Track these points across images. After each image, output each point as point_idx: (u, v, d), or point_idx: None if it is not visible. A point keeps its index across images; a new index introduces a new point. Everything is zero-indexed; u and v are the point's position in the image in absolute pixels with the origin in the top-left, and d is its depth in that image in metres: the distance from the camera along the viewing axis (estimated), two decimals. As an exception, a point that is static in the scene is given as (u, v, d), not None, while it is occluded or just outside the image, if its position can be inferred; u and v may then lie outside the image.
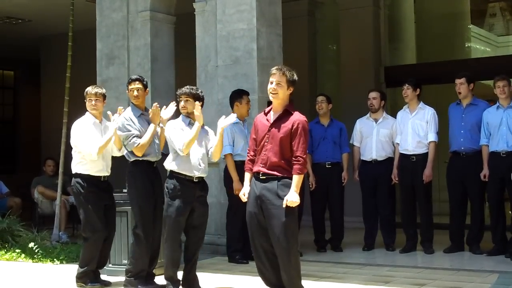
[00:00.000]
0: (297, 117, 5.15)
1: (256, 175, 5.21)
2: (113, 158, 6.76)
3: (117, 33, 8.97)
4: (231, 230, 7.47)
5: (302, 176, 5.08)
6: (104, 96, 6.50)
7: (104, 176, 6.45)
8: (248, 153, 5.39)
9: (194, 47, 8.27)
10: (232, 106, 7.49)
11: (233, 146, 7.38)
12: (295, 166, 5.06)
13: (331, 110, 8.34)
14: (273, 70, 5.25)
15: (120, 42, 8.93)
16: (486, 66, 10.10)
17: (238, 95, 7.48)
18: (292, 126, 5.10)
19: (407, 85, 7.92)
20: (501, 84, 7.37)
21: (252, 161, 5.30)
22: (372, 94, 8.28)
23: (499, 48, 14.52)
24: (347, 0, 10.90)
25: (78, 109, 12.05)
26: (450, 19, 11.70)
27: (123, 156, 6.64)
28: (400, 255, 7.81)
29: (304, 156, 5.08)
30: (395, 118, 8.15)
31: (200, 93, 6.02)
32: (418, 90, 7.94)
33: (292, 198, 5.00)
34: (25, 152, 16.84)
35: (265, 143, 5.16)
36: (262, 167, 5.14)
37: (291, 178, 5.07)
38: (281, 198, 5.04)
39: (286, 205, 5.01)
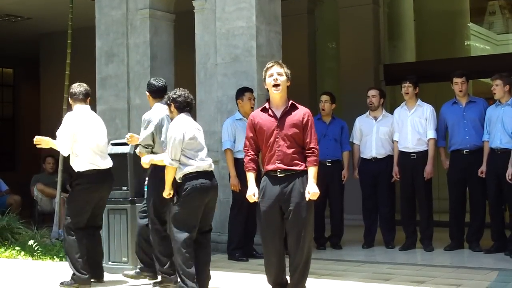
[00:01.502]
0: (304, 109, 5.17)
1: (272, 173, 5.12)
2: (110, 156, 6.79)
3: (116, 30, 8.96)
4: (234, 228, 7.47)
5: (317, 167, 5.11)
6: (73, 94, 6.45)
7: None
8: (247, 152, 5.28)
9: (194, 45, 8.27)
10: (237, 103, 7.52)
11: (234, 142, 7.40)
12: (310, 158, 5.08)
13: (334, 108, 8.33)
14: (270, 63, 5.23)
15: (120, 39, 8.93)
16: (486, 64, 10.10)
17: (240, 93, 7.50)
18: (303, 118, 5.10)
19: (408, 82, 7.92)
20: (493, 83, 7.42)
21: (254, 161, 5.23)
22: (371, 92, 8.28)
23: (498, 46, 14.55)
24: (346, -2, 10.91)
25: (78, 107, 12.00)
26: (450, 17, 11.70)
27: (122, 155, 6.66)
28: (399, 252, 7.81)
29: (317, 147, 5.13)
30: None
31: (172, 96, 5.83)
32: (417, 87, 7.95)
33: (313, 189, 5.03)
34: (25, 150, 16.79)
35: (276, 139, 5.09)
36: (279, 163, 5.07)
37: (307, 172, 5.09)
38: (304, 195, 5.05)
39: (308, 202, 5.03)
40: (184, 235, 5.56)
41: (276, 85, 5.10)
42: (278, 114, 5.14)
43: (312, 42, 11.80)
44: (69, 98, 6.53)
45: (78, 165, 6.33)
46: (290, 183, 5.08)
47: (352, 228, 8.84)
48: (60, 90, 9.66)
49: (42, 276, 7.06)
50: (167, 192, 5.66)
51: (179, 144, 5.58)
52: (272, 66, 5.17)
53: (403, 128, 7.92)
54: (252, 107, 7.39)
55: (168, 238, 5.92)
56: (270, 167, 5.12)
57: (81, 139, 6.30)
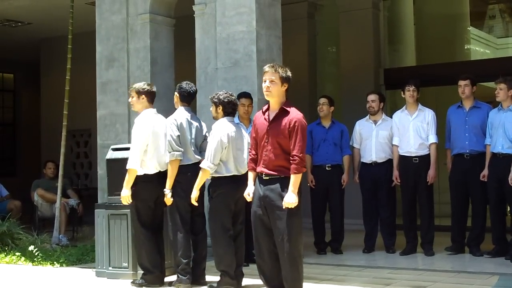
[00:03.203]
0: (294, 115, 5.11)
1: (259, 176, 5.20)
2: (110, 161, 6.81)
3: (116, 35, 8.96)
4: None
5: (299, 175, 5.05)
6: (138, 92, 6.63)
7: None
8: (250, 152, 5.41)
9: (194, 50, 8.27)
10: None
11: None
12: (291, 166, 5.04)
13: (332, 111, 8.33)
14: (266, 68, 5.23)
15: (120, 44, 8.93)
16: (486, 68, 10.09)
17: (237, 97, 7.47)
18: (289, 124, 5.07)
19: (413, 87, 7.90)
20: (497, 86, 7.42)
21: (254, 160, 5.29)
22: (371, 97, 8.27)
23: (498, 50, 14.53)
24: (346, 2, 10.91)
25: (78, 112, 12.11)
26: (450, 21, 11.71)
27: (122, 160, 6.66)
28: (400, 257, 7.80)
29: (301, 155, 5.04)
30: (395, 120, 8.15)
31: (217, 96, 6.27)
32: (419, 92, 7.96)
33: (289, 199, 4.99)
34: (25, 155, 16.84)
35: (265, 143, 5.14)
36: (264, 167, 5.13)
37: None
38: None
39: (290, 208, 5.01)
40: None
41: (266, 91, 5.16)
42: (272, 118, 5.17)
43: (312, 46, 11.80)
44: (142, 97, 6.64)
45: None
46: (271, 187, 5.09)
47: (353, 232, 8.82)
48: (61, 95, 9.67)
49: (43, 281, 7.05)
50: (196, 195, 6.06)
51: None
52: (267, 71, 5.19)
53: (405, 132, 7.91)
54: (246, 112, 7.38)
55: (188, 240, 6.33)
56: (258, 169, 5.22)
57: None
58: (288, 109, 5.14)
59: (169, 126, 6.33)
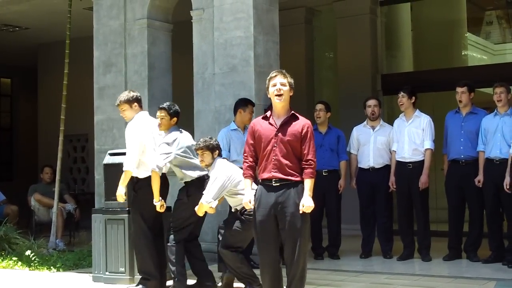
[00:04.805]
0: (305, 121, 5.17)
1: (267, 182, 5.12)
2: (107, 166, 6.81)
3: (114, 40, 8.98)
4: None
5: (313, 179, 5.10)
6: (128, 101, 6.53)
7: None
8: (245, 159, 5.29)
9: (191, 55, 8.29)
10: (235, 112, 7.50)
11: (229, 151, 7.39)
12: (307, 170, 5.07)
13: (329, 117, 8.34)
14: (273, 73, 5.23)
15: (117, 49, 8.94)
16: (483, 74, 10.11)
17: (243, 103, 7.47)
18: (302, 129, 5.10)
19: (402, 93, 7.92)
20: (498, 91, 7.41)
21: (251, 168, 5.24)
22: (373, 102, 8.26)
23: (495, 56, 14.55)
24: (344, 8, 10.93)
25: (75, 117, 12.11)
26: (447, 27, 11.73)
27: (119, 165, 6.65)
28: (397, 262, 7.80)
29: (315, 159, 5.12)
30: (392, 126, 8.16)
31: (213, 143, 6.17)
32: (413, 98, 7.94)
33: (308, 203, 5.01)
34: (22, 160, 16.81)
35: (274, 148, 5.11)
36: (275, 172, 5.08)
37: (303, 183, 5.08)
38: (298, 205, 5.04)
39: (303, 212, 5.01)
40: None
41: (278, 95, 5.12)
42: (279, 123, 5.15)
43: (310, 52, 11.82)
44: (134, 105, 6.57)
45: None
46: (285, 193, 5.07)
47: (350, 238, 8.83)
48: (58, 100, 9.67)
49: (39, 286, 7.04)
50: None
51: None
52: (275, 75, 5.18)
53: (400, 138, 7.92)
54: (250, 119, 7.39)
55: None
56: (265, 175, 5.13)
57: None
58: (298, 114, 5.18)
59: (160, 146, 6.34)
